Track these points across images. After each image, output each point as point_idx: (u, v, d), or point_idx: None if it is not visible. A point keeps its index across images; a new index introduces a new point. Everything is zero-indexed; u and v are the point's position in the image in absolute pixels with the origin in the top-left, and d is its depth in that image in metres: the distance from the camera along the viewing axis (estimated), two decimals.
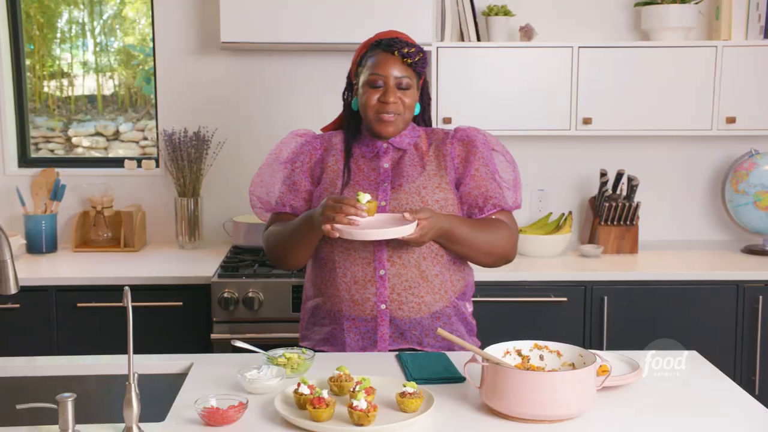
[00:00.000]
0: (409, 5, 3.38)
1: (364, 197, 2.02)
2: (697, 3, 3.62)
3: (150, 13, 3.85)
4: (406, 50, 2.15)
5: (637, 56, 3.54)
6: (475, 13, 3.60)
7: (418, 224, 2.01)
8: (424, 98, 2.33)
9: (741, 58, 3.53)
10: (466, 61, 3.52)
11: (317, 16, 3.37)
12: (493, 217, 2.26)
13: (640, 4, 3.70)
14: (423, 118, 2.35)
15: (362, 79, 2.20)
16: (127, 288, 1.64)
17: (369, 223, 2.03)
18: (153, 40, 3.79)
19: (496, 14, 3.61)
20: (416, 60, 2.17)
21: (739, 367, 3.32)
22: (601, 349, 3.03)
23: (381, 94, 2.16)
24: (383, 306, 2.15)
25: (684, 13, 3.58)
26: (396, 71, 2.16)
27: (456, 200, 2.22)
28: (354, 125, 2.29)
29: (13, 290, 1.78)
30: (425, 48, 3.38)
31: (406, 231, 2.00)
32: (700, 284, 3.31)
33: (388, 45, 2.17)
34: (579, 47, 3.50)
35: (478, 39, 3.60)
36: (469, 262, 2.31)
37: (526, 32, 3.63)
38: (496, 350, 1.85)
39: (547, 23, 3.77)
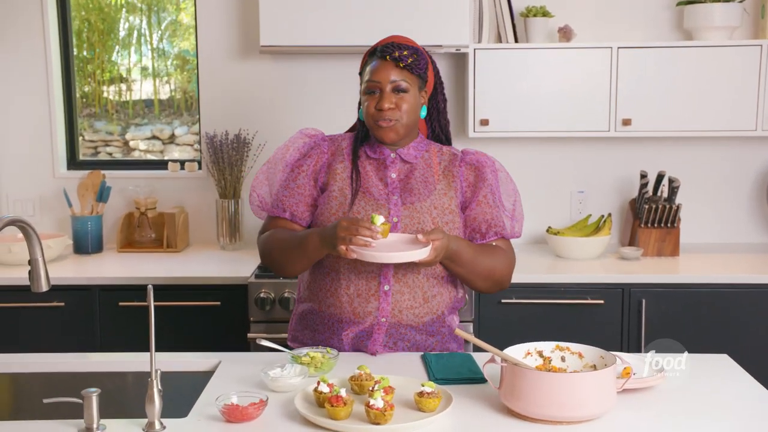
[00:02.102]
0: (446, 7, 3.39)
1: (378, 219, 2.01)
2: (741, 1, 3.56)
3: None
4: (397, 54, 2.14)
5: (679, 56, 3.49)
6: (513, 15, 3.59)
7: (432, 246, 2.00)
8: (439, 103, 2.29)
9: None
10: (504, 63, 3.51)
11: (356, 19, 3.39)
12: (494, 243, 2.24)
13: (682, 3, 3.65)
14: (439, 128, 2.31)
15: (362, 88, 2.21)
16: (150, 286, 1.68)
17: (382, 243, 2.02)
18: (196, 44, 3.87)
19: (535, 15, 3.59)
20: (409, 62, 2.15)
21: None
22: (638, 352, 2.99)
23: (377, 101, 2.15)
24: (383, 320, 2.16)
25: (728, 11, 3.52)
26: (391, 76, 2.14)
27: (461, 223, 2.21)
28: (364, 131, 2.28)
29: (44, 288, 1.84)
30: (462, 50, 3.45)
31: (421, 254, 2.00)
32: (742, 288, 3.25)
33: (382, 51, 2.16)
34: (618, 47, 3.47)
35: (516, 40, 3.59)
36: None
37: (565, 33, 3.61)
38: (517, 351, 1.85)
39: (587, 24, 3.74)
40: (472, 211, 2.22)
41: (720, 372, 2.03)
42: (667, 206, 3.58)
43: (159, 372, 1.68)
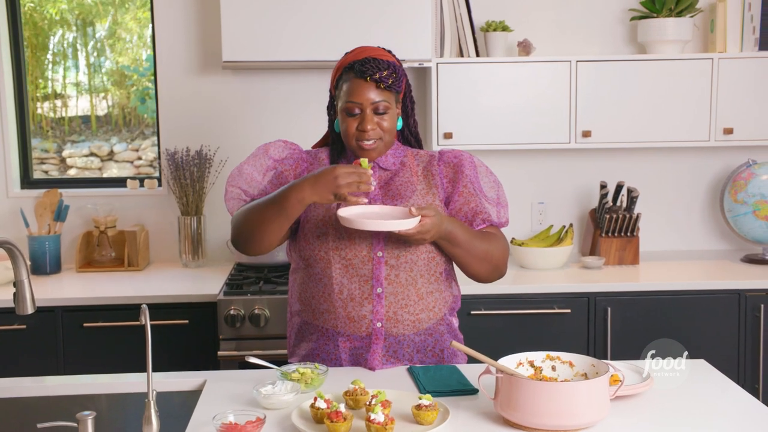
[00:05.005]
0: (408, 22, 3.42)
1: (366, 162, 2.06)
2: (692, 16, 3.67)
3: (147, 33, 3.89)
4: (378, 75, 2.10)
5: (635, 69, 3.58)
6: (474, 29, 3.63)
7: (420, 221, 2.02)
8: (408, 106, 2.28)
9: (737, 70, 3.58)
10: (466, 77, 3.55)
11: (318, 34, 3.40)
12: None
13: (636, 18, 3.75)
14: (408, 130, 2.31)
15: (339, 105, 2.18)
16: (144, 306, 1.66)
17: (374, 213, 2.06)
18: (154, 60, 3.82)
19: (495, 30, 3.65)
20: (390, 83, 2.13)
21: (743, 375, 3.34)
22: (605, 359, 3.04)
23: (358, 122, 2.14)
24: (379, 324, 2.15)
25: (680, 26, 3.62)
26: (371, 96, 2.12)
27: None
28: (339, 142, 2.27)
29: (29, 310, 1.80)
30: (425, 65, 3.48)
31: (407, 225, 2.01)
32: (703, 294, 3.34)
33: (362, 71, 2.12)
34: (577, 61, 3.54)
35: (477, 54, 3.64)
36: (458, 277, 2.32)
37: (525, 47, 3.67)
38: (508, 362, 1.87)
39: (545, 38, 3.81)
40: (455, 203, 2.22)
41: (702, 377, 2.08)
42: (627, 216, 3.66)
43: (155, 392, 1.65)
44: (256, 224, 2.12)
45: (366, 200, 2.06)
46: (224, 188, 2.28)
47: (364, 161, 2.07)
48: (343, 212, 2.06)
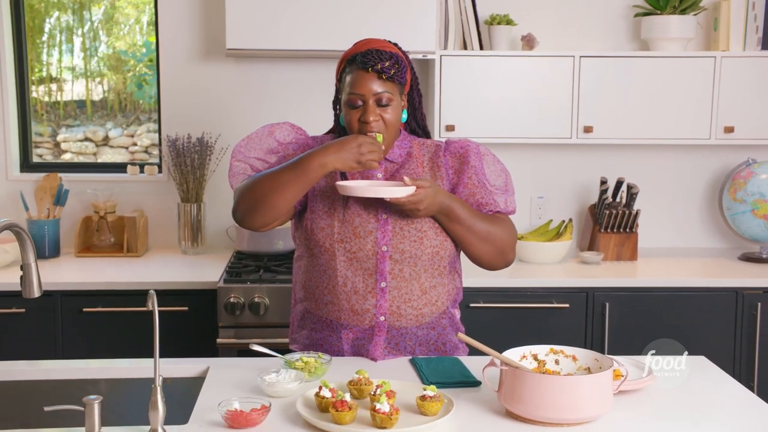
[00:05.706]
0: (412, 14, 3.42)
1: (381, 137, 2.12)
2: (696, 14, 3.68)
3: (145, 19, 3.88)
4: (379, 66, 2.09)
5: (638, 66, 3.58)
6: (478, 22, 3.63)
7: (415, 191, 2.03)
8: (414, 99, 2.28)
9: (739, 69, 3.59)
10: (469, 70, 3.55)
11: (322, 23, 3.40)
12: None
13: (640, 14, 3.75)
14: (415, 123, 2.31)
15: (343, 97, 2.18)
16: (152, 292, 1.65)
17: (372, 185, 2.10)
18: (157, 45, 3.81)
19: (499, 23, 3.65)
20: (392, 74, 2.11)
21: (738, 372, 3.36)
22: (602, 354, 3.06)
23: (361, 113, 2.13)
24: (382, 318, 2.15)
25: (683, 23, 3.63)
26: (374, 88, 2.10)
27: None
28: (345, 135, 2.24)
29: (36, 293, 1.80)
30: (429, 57, 3.47)
31: (400, 192, 2.02)
32: (700, 291, 3.36)
33: (363, 62, 2.10)
34: (580, 56, 3.54)
35: (481, 48, 3.64)
36: (463, 266, 2.32)
37: (528, 41, 3.67)
38: (512, 355, 1.88)
39: (549, 33, 3.81)
40: (460, 194, 2.21)
41: (702, 373, 2.09)
42: (626, 212, 3.67)
43: (161, 378, 1.65)
44: (270, 190, 2.08)
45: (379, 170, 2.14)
46: (229, 164, 2.27)
47: (379, 136, 2.10)
48: (342, 182, 2.09)
